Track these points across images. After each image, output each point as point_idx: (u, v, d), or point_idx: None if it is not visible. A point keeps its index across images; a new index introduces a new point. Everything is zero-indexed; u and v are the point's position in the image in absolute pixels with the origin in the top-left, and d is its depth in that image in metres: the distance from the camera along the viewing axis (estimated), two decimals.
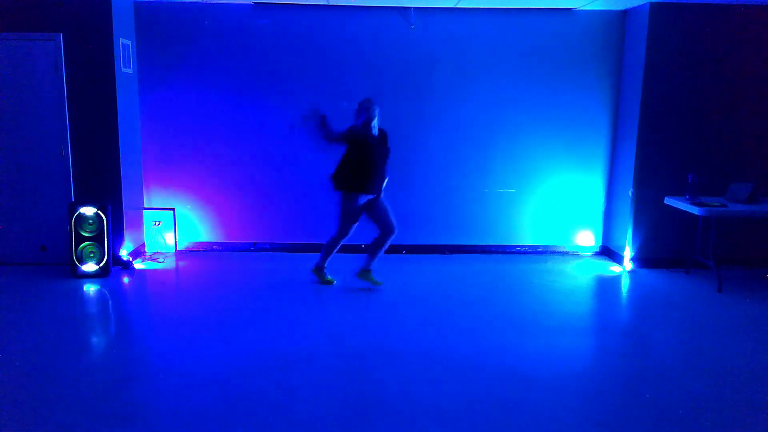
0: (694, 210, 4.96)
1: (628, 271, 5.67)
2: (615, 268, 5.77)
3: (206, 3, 5.65)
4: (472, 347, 3.86)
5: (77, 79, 5.26)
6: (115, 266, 5.45)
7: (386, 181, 4.93)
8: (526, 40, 5.83)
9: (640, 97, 5.51)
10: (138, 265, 5.60)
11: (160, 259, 5.79)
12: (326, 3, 5.60)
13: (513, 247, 6.23)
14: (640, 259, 5.75)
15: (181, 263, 5.71)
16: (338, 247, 5.03)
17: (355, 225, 4.94)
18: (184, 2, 5.66)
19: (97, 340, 4.04)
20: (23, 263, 5.49)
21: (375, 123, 4.73)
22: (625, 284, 5.35)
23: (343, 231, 4.93)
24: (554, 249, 6.23)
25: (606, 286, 5.32)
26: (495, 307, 4.63)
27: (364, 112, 4.70)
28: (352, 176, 4.75)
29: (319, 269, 5.10)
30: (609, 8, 5.72)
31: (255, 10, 5.72)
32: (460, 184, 6.06)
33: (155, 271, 5.47)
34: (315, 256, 5.98)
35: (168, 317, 4.38)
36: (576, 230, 6.19)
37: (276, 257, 5.97)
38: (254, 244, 6.15)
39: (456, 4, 5.58)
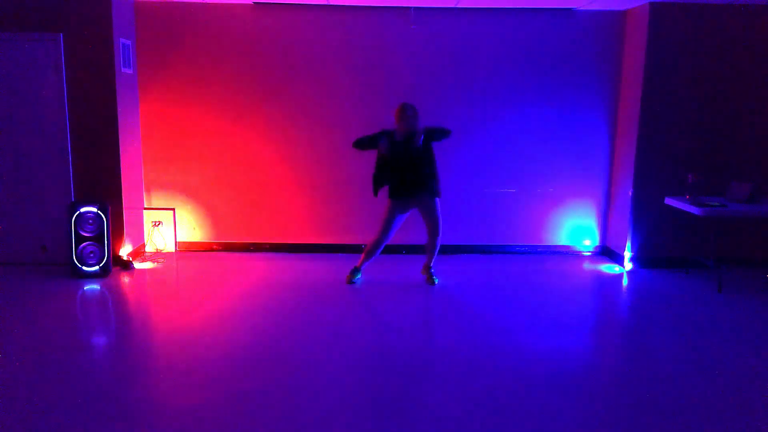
0: (694, 210, 4.96)
1: (628, 271, 5.67)
2: (615, 268, 5.77)
3: (206, 3, 5.65)
4: (470, 347, 3.86)
5: (77, 79, 5.26)
6: (115, 266, 5.45)
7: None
8: (526, 39, 5.83)
9: (640, 97, 5.51)
10: (138, 265, 5.60)
11: (160, 259, 5.79)
12: (326, 3, 5.60)
13: (513, 247, 6.23)
14: (640, 259, 5.75)
15: (181, 263, 5.71)
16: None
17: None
18: (184, 2, 5.66)
19: (97, 340, 4.04)
20: (23, 263, 5.49)
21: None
22: (625, 284, 5.35)
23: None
24: (554, 249, 6.23)
25: (606, 286, 5.32)
26: (494, 307, 4.63)
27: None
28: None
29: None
30: (609, 8, 5.72)
31: (255, 10, 5.72)
32: (460, 183, 6.06)
33: (155, 271, 5.47)
34: (314, 257, 6.00)
35: (168, 317, 4.38)
36: (576, 230, 6.19)
37: (275, 257, 5.97)
38: (253, 244, 6.15)
39: (456, 4, 5.58)
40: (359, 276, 5.16)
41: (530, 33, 5.81)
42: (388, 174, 4.87)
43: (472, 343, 3.92)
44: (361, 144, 4.84)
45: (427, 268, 5.18)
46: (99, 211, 5.15)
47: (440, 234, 5.06)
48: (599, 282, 5.43)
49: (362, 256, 5.15)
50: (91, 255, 5.17)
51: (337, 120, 5.90)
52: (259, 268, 5.63)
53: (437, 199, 4.98)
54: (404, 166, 4.81)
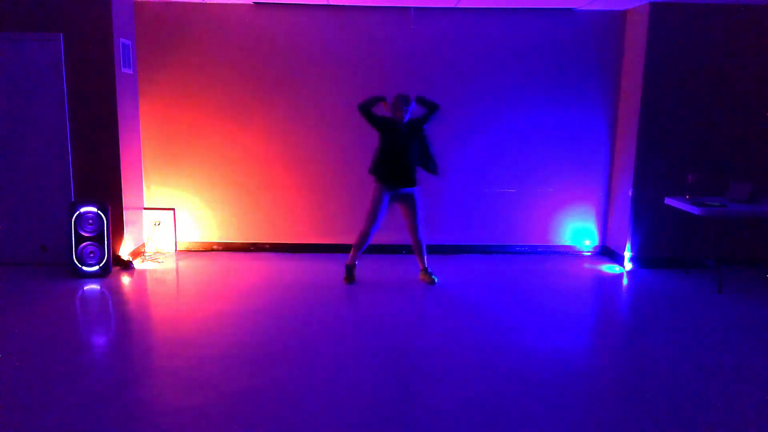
0: (694, 210, 4.96)
1: (628, 271, 5.67)
2: (615, 268, 5.77)
3: (206, 3, 5.65)
4: (471, 346, 3.86)
5: (77, 79, 5.26)
6: (115, 266, 5.45)
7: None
8: (527, 40, 5.83)
9: (640, 97, 5.51)
10: (138, 265, 5.60)
11: (160, 259, 5.79)
12: (326, 3, 5.60)
13: (513, 247, 6.23)
14: (640, 259, 5.75)
15: (181, 263, 5.71)
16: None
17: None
18: (184, 2, 5.66)
19: (97, 340, 4.04)
20: (23, 263, 5.49)
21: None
22: (625, 284, 5.35)
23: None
24: (554, 249, 6.23)
25: (606, 286, 5.32)
26: (494, 307, 4.63)
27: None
28: None
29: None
30: (609, 8, 5.72)
31: (255, 10, 5.72)
32: (460, 183, 6.07)
33: (155, 271, 5.47)
34: (313, 257, 6.00)
35: (168, 317, 4.38)
36: (576, 230, 6.19)
37: (275, 257, 5.97)
38: (253, 244, 6.15)
39: (456, 4, 5.58)
40: (355, 270, 5.18)
41: (530, 33, 5.82)
42: (387, 159, 4.92)
43: (472, 343, 3.92)
44: (366, 107, 4.89)
45: (425, 271, 5.18)
46: (99, 211, 5.15)
47: (420, 230, 5.08)
48: (599, 282, 5.43)
49: (352, 251, 5.15)
50: (91, 255, 5.17)
51: (337, 120, 5.90)
52: (259, 268, 5.63)
53: (418, 197, 5.04)
54: (397, 153, 4.88)
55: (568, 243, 6.22)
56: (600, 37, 5.84)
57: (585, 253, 6.25)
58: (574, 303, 4.82)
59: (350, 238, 6.04)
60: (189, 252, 6.09)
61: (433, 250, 6.09)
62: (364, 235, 5.05)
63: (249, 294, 4.88)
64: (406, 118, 4.90)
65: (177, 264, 5.69)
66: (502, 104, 5.94)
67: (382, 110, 5.07)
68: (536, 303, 4.75)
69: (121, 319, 4.41)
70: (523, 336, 4.05)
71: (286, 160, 5.99)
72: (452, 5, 5.62)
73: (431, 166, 5.05)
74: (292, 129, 5.94)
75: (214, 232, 6.12)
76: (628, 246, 5.74)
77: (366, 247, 5.16)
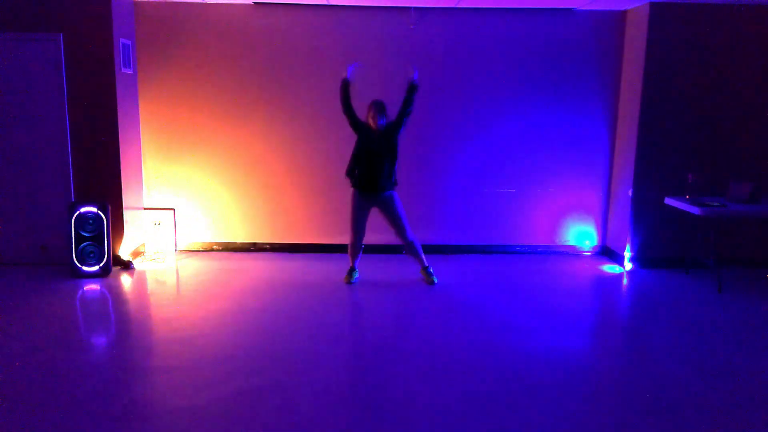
0: (694, 210, 4.96)
1: (628, 271, 5.67)
2: (615, 268, 5.77)
3: (206, 3, 5.65)
4: (470, 346, 3.86)
5: (77, 79, 5.27)
6: (115, 266, 5.45)
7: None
8: (527, 40, 5.83)
9: (640, 97, 5.51)
10: (138, 265, 5.60)
11: (160, 259, 5.79)
12: (326, 3, 5.60)
13: (513, 247, 6.23)
14: (640, 259, 5.75)
15: (181, 263, 5.71)
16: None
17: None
18: (184, 2, 5.66)
19: (97, 340, 4.04)
20: (23, 263, 5.49)
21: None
22: (625, 284, 5.35)
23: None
24: (554, 249, 6.23)
25: (606, 286, 5.32)
26: (494, 307, 4.63)
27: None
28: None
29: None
30: (609, 8, 5.72)
31: (255, 10, 5.72)
32: (460, 183, 6.07)
33: (155, 271, 5.47)
34: (313, 257, 6.00)
35: (168, 317, 4.38)
36: (576, 230, 6.19)
37: (275, 257, 5.98)
38: (253, 244, 6.15)
39: (456, 4, 5.58)
40: (356, 274, 5.18)
41: (530, 33, 5.82)
42: (359, 163, 4.91)
43: (472, 343, 3.92)
44: (346, 102, 4.89)
45: (425, 269, 5.19)
46: (99, 211, 5.15)
47: (409, 231, 5.07)
48: (599, 282, 5.43)
49: (349, 256, 5.21)
50: (91, 255, 5.17)
51: (337, 120, 5.88)
52: (259, 268, 5.63)
53: (397, 200, 5.01)
54: (370, 159, 4.87)
55: (568, 243, 6.22)
56: (600, 37, 5.84)
57: (585, 253, 6.25)
58: (574, 303, 4.82)
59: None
60: (189, 252, 6.09)
61: (433, 250, 6.10)
62: (352, 244, 5.10)
63: (249, 294, 4.88)
64: (381, 123, 4.88)
65: (177, 264, 5.69)
66: (502, 104, 5.94)
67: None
68: (536, 303, 4.75)
69: (121, 319, 4.41)
70: (522, 336, 4.05)
71: (286, 159, 5.99)
72: (452, 5, 5.62)
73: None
74: (293, 129, 5.94)
75: (214, 232, 6.12)
76: (628, 246, 5.74)
77: (361, 251, 5.18)
